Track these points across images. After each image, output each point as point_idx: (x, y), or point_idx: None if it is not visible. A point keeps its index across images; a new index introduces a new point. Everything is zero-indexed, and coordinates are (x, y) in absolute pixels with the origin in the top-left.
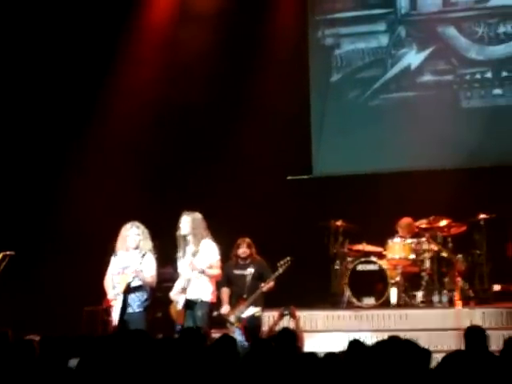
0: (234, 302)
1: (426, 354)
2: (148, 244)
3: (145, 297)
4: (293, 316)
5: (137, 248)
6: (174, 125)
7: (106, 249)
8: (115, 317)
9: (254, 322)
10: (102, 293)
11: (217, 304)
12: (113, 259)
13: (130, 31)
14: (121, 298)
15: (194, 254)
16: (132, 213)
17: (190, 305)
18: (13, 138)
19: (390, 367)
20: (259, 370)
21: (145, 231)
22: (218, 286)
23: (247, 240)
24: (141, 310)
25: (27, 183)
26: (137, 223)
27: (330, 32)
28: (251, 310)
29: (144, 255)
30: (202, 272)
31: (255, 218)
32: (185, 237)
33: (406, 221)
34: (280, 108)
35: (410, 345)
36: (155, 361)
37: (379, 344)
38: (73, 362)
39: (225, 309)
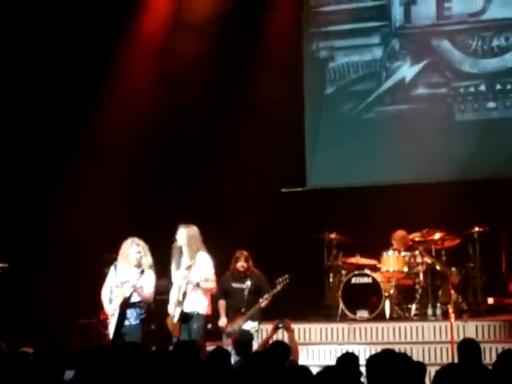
0: (232, 314)
1: (421, 367)
2: (148, 260)
3: (142, 311)
4: (287, 329)
5: (138, 265)
6: (168, 137)
7: (100, 261)
8: (111, 330)
9: (245, 335)
10: (99, 305)
11: (212, 316)
12: (112, 271)
13: (124, 40)
14: (117, 312)
15: (189, 267)
16: (127, 225)
17: (185, 318)
18: (7, 149)
19: (384, 381)
20: (252, 383)
21: (145, 247)
22: (215, 298)
23: (245, 253)
24: (137, 322)
25: (21, 195)
26: (136, 240)
27: (325, 45)
28: (249, 325)
29: (143, 272)
30: (197, 285)
31: (249, 231)
32: (180, 248)
33: (400, 233)
34: (274, 120)
35: (405, 358)
36: (149, 373)
37: (373, 357)
38: (68, 375)
39: (222, 321)
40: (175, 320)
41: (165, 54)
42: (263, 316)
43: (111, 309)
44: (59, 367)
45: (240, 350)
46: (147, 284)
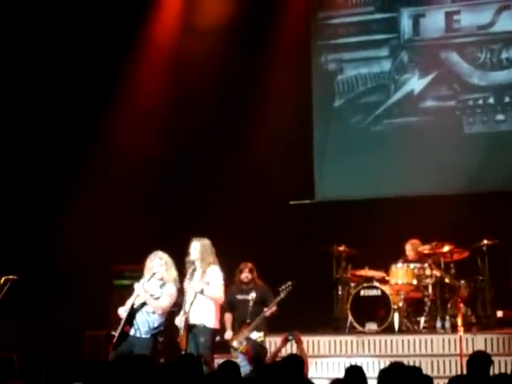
0: (237, 327)
1: (428, 380)
2: (171, 274)
3: (155, 324)
4: (297, 341)
5: (161, 279)
6: (177, 150)
7: (109, 273)
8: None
9: (259, 346)
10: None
11: (219, 330)
12: (136, 286)
13: (134, 51)
14: (125, 316)
15: (200, 279)
16: (136, 237)
17: (192, 329)
18: (17, 160)
19: None
20: None
21: (168, 261)
22: (221, 311)
23: (249, 265)
24: (147, 336)
25: (31, 206)
26: (160, 254)
27: (333, 57)
28: (254, 335)
29: (164, 284)
30: (201, 292)
31: (258, 243)
32: (193, 262)
33: (415, 242)
34: (283, 132)
35: (416, 372)
36: None
37: (385, 370)
38: None
39: (228, 334)
40: (181, 331)
41: (174, 68)
42: (272, 328)
43: (122, 310)
44: (67, 380)
45: (254, 361)
46: (163, 296)
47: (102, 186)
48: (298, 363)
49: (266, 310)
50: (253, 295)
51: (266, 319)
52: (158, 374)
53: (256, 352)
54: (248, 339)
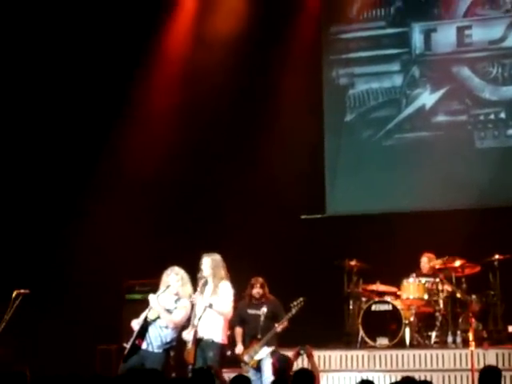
0: (248, 341)
1: None
2: (187, 290)
3: (167, 339)
4: (309, 356)
5: (176, 294)
6: (186, 163)
7: (121, 287)
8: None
9: (286, 360)
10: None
11: (229, 344)
12: (150, 298)
13: (144, 67)
14: (137, 329)
15: (211, 294)
16: (148, 252)
17: (200, 344)
18: (29, 173)
19: None
20: None
21: (184, 276)
22: (231, 325)
23: (260, 280)
24: (160, 351)
25: (42, 220)
26: (176, 269)
27: (345, 72)
28: (265, 351)
29: (179, 299)
30: (210, 306)
31: (269, 257)
32: (205, 278)
33: (430, 255)
34: (294, 147)
35: None
36: None
37: None
38: None
39: (239, 349)
40: (189, 345)
41: (185, 80)
42: (284, 343)
43: (136, 322)
44: None
45: (278, 373)
46: (177, 311)
47: (116, 201)
48: (308, 377)
49: (277, 325)
50: (264, 310)
51: (277, 334)
52: None
53: (282, 364)
54: (273, 352)
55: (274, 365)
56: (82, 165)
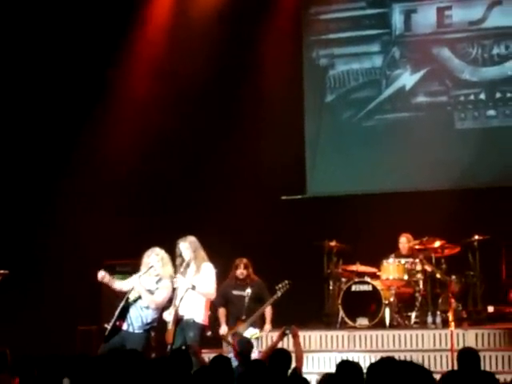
0: (232, 322)
1: (427, 374)
2: (167, 270)
3: (148, 319)
4: (294, 336)
5: (157, 275)
6: (166, 145)
7: (100, 267)
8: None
9: (244, 343)
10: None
11: (212, 324)
12: (133, 278)
13: (122, 53)
14: (118, 309)
15: (194, 275)
16: (128, 232)
17: (181, 323)
18: (7, 156)
19: None
20: None
21: (164, 257)
22: (215, 306)
23: (245, 261)
24: (140, 331)
25: (21, 201)
26: (157, 250)
27: (325, 52)
28: (250, 332)
29: (160, 280)
30: (193, 288)
31: (249, 238)
32: (187, 262)
33: (408, 236)
34: (274, 128)
35: (408, 366)
36: (148, 382)
37: (373, 365)
38: (66, 382)
39: (223, 329)
40: (169, 325)
41: (163, 69)
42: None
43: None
44: (58, 374)
45: (240, 356)
46: (159, 291)
47: (95, 183)
48: (285, 358)
49: (262, 307)
50: (248, 291)
51: (262, 316)
52: (148, 369)
53: (241, 346)
54: (235, 334)
55: (233, 347)
56: (59, 147)
